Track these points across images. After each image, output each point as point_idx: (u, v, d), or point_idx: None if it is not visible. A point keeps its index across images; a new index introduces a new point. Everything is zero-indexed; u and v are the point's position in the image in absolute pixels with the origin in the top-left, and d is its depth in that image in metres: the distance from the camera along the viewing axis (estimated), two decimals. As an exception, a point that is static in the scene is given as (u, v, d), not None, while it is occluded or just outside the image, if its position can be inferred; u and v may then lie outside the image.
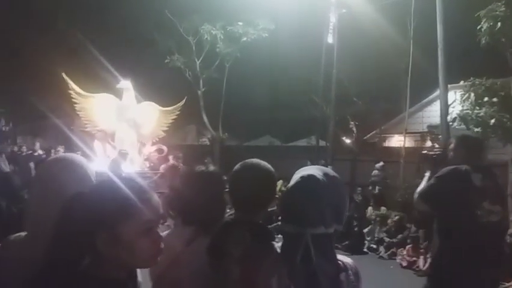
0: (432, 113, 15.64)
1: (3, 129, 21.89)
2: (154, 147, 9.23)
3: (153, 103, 10.71)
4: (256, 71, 18.75)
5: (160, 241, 1.16)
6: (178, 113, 10.58)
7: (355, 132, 16.31)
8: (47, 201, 1.40)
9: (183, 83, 17.39)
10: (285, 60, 16.91)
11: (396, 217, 8.77)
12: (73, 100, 9.25)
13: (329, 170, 1.55)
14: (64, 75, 8.24)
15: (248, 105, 20.25)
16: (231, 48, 16.70)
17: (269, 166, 1.56)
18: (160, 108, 10.50)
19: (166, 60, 16.44)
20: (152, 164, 9.38)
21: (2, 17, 19.31)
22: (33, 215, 1.42)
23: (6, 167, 1.81)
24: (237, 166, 1.56)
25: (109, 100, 9.32)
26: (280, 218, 1.46)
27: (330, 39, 13.77)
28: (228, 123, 18.34)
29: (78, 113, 9.82)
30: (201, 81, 17.42)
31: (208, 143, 20.37)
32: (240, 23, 16.06)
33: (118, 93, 11.14)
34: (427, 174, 3.16)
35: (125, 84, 9.77)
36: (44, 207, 1.39)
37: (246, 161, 1.57)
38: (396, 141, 16.56)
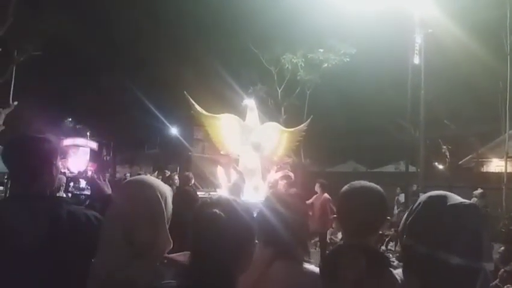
0: (537, 135, 14.18)
1: (105, 158, 24.15)
2: (280, 174, 7.81)
3: (277, 123, 9.54)
4: (338, 96, 18.55)
5: None
6: (303, 134, 9.31)
7: (448, 156, 15.25)
8: (116, 222, 1.46)
9: (265, 111, 17.75)
10: (368, 83, 16.53)
11: (502, 248, 7.91)
12: (196, 122, 8.44)
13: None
14: (185, 94, 7.48)
15: (330, 130, 20.01)
16: (311, 75, 16.84)
17: (380, 188, 1.50)
18: (285, 129, 9.28)
19: (249, 91, 16.98)
20: None
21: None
22: (104, 234, 1.49)
23: (109, 190, 2.00)
24: (346, 189, 1.51)
25: (233, 121, 8.21)
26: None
27: (416, 60, 13.26)
28: (310, 149, 18.23)
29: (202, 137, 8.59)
30: (283, 109, 17.68)
31: (289, 168, 20.32)
32: (321, 50, 16.17)
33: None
34: None
35: (250, 103, 8.72)
36: (114, 227, 1.45)
37: (354, 183, 1.52)
38: (496, 166, 15.21)
